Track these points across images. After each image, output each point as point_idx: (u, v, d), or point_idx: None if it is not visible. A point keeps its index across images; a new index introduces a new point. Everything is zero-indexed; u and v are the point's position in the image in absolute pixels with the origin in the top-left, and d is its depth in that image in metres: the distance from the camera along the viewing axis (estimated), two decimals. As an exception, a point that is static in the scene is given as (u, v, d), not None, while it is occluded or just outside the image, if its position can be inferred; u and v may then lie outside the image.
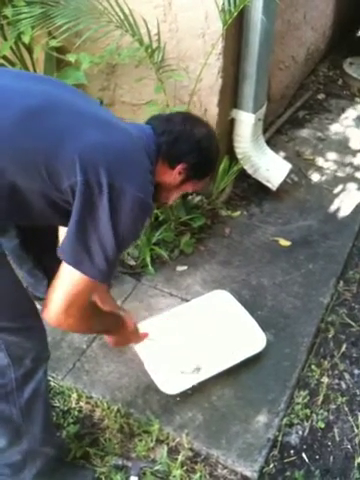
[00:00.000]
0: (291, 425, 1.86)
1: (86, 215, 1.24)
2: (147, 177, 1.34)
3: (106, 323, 1.60)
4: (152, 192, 1.34)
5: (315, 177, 3.00)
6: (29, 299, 1.46)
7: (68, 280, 1.30)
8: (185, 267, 2.41)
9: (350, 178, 2.99)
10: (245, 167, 2.71)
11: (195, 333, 2.03)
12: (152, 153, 1.43)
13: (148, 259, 2.36)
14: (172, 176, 1.51)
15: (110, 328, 1.66)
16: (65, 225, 1.50)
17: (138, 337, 1.87)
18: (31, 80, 1.41)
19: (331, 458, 1.79)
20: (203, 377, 1.87)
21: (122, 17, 2.15)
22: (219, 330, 2.05)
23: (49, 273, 2.07)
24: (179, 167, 1.49)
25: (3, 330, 1.34)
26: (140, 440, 1.79)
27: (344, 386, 1.99)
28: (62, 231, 1.75)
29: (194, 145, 1.48)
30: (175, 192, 1.59)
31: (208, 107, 2.48)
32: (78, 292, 1.30)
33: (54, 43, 2.20)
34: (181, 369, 1.91)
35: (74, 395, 1.90)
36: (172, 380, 1.86)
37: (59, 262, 1.97)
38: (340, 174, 3.03)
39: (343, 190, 2.90)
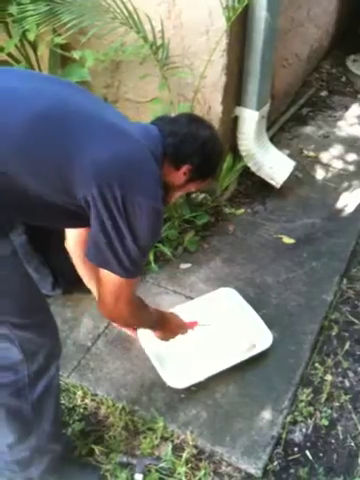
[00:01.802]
0: (295, 423, 1.86)
1: (107, 224, 1.28)
2: (157, 184, 1.36)
3: (154, 317, 1.65)
4: (162, 196, 1.36)
5: (319, 174, 3.00)
6: (41, 295, 1.47)
7: (106, 279, 1.37)
8: (189, 265, 2.41)
9: (354, 175, 2.99)
10: (249, 165, 2.71)
11: (201, 330, 2.04)
12: (159, 155, 1.44)
13: (151, 257, 2.36)
14: (177, 177, 1.52)
15: (158, 322, 1.69)
16: (75, 227, 1.51)
17: (185, 328, 1.87)
18: (38, 81, 1.41)
19: (335, 456, 1.79)
20: (209, 373, 1.88)
21: (127, 14, 2.14)
22: (225, 327, 2.06)
23: (55, 270, 2.09)
24: (184, 168, 1.51)
25: (17, 326, 1.35)
26: (145, 437, 1.79)
27: (348, 384, 2.00)
28: (68, 229, 1.76)
29: (199, 147, 1.50)
30: (179, 191, 1.62)
31: (212, 104, 2.48)
32: (116, 289, 1.37)
33: (59, 40, 2.19)
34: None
35: (79, 392, 1.91)
36: (178, 375, 1.87)
37: (64, 259, 1.98)
38: (344, 171, 3.02)
39: (347, 187, 2.90)
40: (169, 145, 1.46)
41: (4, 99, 1.25)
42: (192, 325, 1.89)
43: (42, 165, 1.24)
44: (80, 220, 1.35)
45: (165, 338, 1.80)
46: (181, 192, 1.63)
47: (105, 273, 1.35)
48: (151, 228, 1.33)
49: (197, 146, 1.50)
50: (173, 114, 1.69)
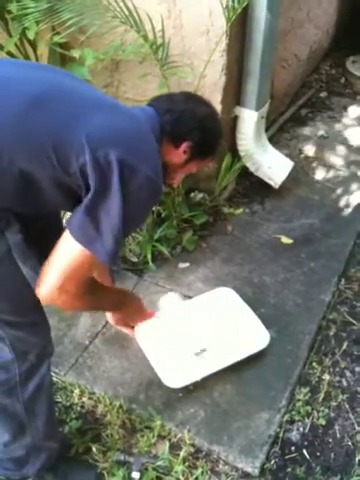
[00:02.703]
0: (292, 422, 1.87)
1: (98, 194, 1.21)
2: (157, 158, 1.32)
3: (105, 301, 1.56)
4: (162, 173, 1.32)
5: (317, 175, 3.00)
6: (34, 294, 1.46)
7: (70, 255, 1.26)
8: (187, 264, 2.42)
9: (352, 176, 3.00)
10: (247, 165, 2.72)
11: (199, 329, 2.04)
12: (157, 134, 1.42)
13: (149, 256, 2.36)
14: (177, 155, 1.50)
15: (111, 306, 1.62)
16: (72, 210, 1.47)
17: (144, 316, 1.82)
18: (32, 68, 1.41)
19: (332, 455, 1.80)
20: (206, 373, 1.88)
21: (127, 13, 2.14)
22: (223, 327, 2.06)
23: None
24: (184, 145, 1.48)
25: (8, 324, 1.35)
26: (142, 436, 1.79)
27: (345, 383, 2.00)
28: None
29: (197, 123, 1.47)
30: (180, 172, 1.58)
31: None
32: (78, 268, 1.27)
33: (58, 39, 2.19)
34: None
35: (77, 391, 1.91)
36: (175, 374, 1.87)
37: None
38: (342, 172, 3.03)
39: (345, 188, 2.90)
40: (166, 122, 1.43)
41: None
42: (150, 314, 1.88)
43: (38, 144, 1.21)
44: (77, 201, 1.28)
45: (118, 323, 1.78)
46: (183, 173, 1.58)
47: (71, 245, 1.25)
48: (144, 201, 1.27)
49: (196, 122, 1.47)
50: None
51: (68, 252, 1.26)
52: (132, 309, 1.75)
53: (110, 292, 1.62)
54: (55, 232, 1.84)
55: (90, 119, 1.24)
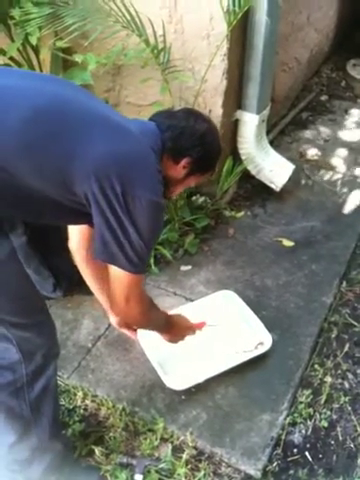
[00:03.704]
0: (294, 424, 1.87)
1: (109, 218, 1.29)
2: (157, 178, 1.37)
3: (163, 318, 1.67)
4: (162, 191, 1.37)
5: (318, 178, 3.01)
6: (39, 295, 1.49)
7: (115, 278, 1.39)
8: (189, 267, 2.43)
9: (353, 179, 3.01)
10: (249, 168, 2.73)
11: (201, 332, 2.05)
12: (158, 150, 1.46)
13: (152, 259, 2.37)
14: (177, 170, 1.54)
15: (167, 324, 1.70)
16: (78, 224, 1.52)
17: (193, 329, 1.87)
18: (38, 80, 1.43)
19: (334, 457, 1.80)
20: (209, 375, 1.89)
21: (128, 18, 2.16)
22: (225, 329, 2.07)
23: (55, 272, 2.10)
24: (183, 161, 1.52)
25: (15, 326, 1.36)
26: (145, 438, 1.80)
27: (347, 386, 2.00)
28: (71, 228, 1.77)
29: (198, 139, 1.51)
30: (179, 186, 1.62)
31: (212, 108, 2.49)
32: (126, 286, 1.39)
33: (61, 44, 2.21)
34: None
35: (79, 393, 1.91)
36: (178, 377, 1.88)
37: (65, 261, 1.98)
38: (343, 175, 3.04)
39: (346, 191, 2.91)
40: (167, 139, 1.48)
41: (4, 97, 1.27)
42: (200, 326, 1.89)
43: (42, 161, 1.25)
44: (80, 216, 1.37)
45: (174, 340, 1.81)
46: (182, 187, 1.63)
47: (114, 272, 1.37)
48: (152, 222, 1.34)
49: (195, 139, 1.51)
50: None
51: (113, 276, 1.39)
52: (182, 327, 1.80)
53: (162, 311, 1.70)
54: (57, 236, 1.86)
55: (95, 141, 1.28)
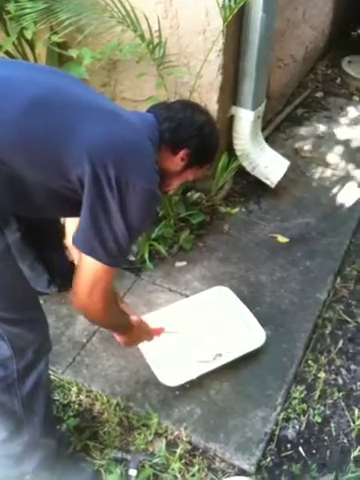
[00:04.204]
0: (288, 419, 1.88)
1: (97, 206, 1.27)
2: (153, 167, 1.35)
3: (123, 319, 1.62)
4: (158, 181, 1.35)
5: (313, 174, 3.02)
6: (32, 291, 1.48)
7: (87, 269, 1.34)
8: (184, 263, 2.43)
9: (348, 175, 3.01)
10: (244, 164, 2.73)
11: (195, 328, 2.05)
12: (156, 141, 1.45)
13: (147, 255, 2.37)
14: (174, 162, 1.53)
15: (127, 324, 1.65)
16: (73, 216, 1.50)
17: (151, 335, 1.83)
18: (35, 70, 1.43)
19: (328, 452, 1.81)
20: (202, 371, 1.89)
21: (124, 13, 2.15)
22: (219, 325, 2.07)
23: (50, 267, 2.10)
24: (181, 153, 1.51)
25: (6, 321, 1.36)
26: (139, 433, 1.80)
27: (341, 381, 2.01)
28: (69, 224, 1.77)
29: (196, 131, 1.51)
30: (177, 179, 1.61)
31: (208, 104, 2.49)
32: (97, 279, 1.34)
33: (56, 38, 2.20)
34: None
35: (74, 389, 1.91)
36: (172, 373, 1.88)
37: (60, 256, 1.98)
38: (338, 171, 3.05)
39: (341, 187, 2.92)
40: (165, 130, 1.47)
41: (0, 87, 1.26)
42: (158, 332, 1.87)
43: (38, 148, 1.24)
44: (76, 207, 1.32)
45: (129, 343, 1.76)
46: (179, 180, 1.62)
47: (87, 260, 1.32)
48: (143, 211, 1.32)
49: (194, 130, 1.50)
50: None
51: (85, 266, 1.34)
52: (140, 330, 1.74)
53: (124, 311, 1.66)
54: (52, 232, 1.86)
55: (89, 127, 1.27)
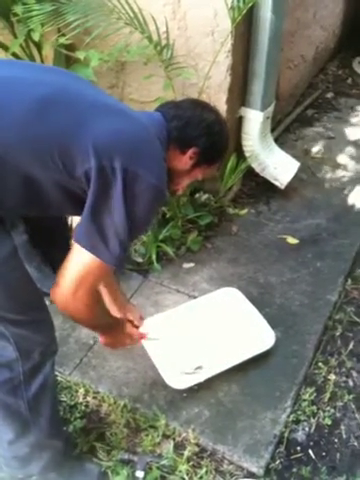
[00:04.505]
0: (298, 422, 1.85)
1: (101, 200, 1.24)
2: (162, 165, 1.34)
3: (106, 318, 1.56)
4: (166, 180, 1.33)
5: (323, 175, 2.99)
6: (38, 293, 1.48)
7: (80, 263, 1.29)
8: (192, 264, 2.41)
9: (359, 177, 2.98)
10: (253, 165, 2.71)
11: (204, 329, 2.04)
12: (164, 140, 1.43)
13: (154, 256, 2.37)
14: (183, 161, 1.51)
15: (109, 325, 1.61)
16: (79, 215, 1.50)
17: (133, 340, 1.79)
18: (41, 70, 1.43)
19: (338, 455, 1.78)
20: (211, 373, 1.88)
21: (132, 15, 2.16)
22: (228, 327, 2.05)
23: (57, 269, 2.09)
24: (190, 151, 1.49)
25: (12, 323, 1.36)
26: (146, 435, 1.79)
27: (351, 384, 1.98)
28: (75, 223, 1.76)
29: (204, 129, 1.49)
30: (186, 178, 1.59)
31: (216, 105, 2.44)
32: (88, 275, 1.29)
33: (63, 40, 2.21)
34: (186, 368, 1.91)
35: (81, 390, 1.91)
36: (180, 375, 1.87)
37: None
38: (349, 172, 3.02)
39: (352, 188, 2.89)
40: (173, 128, 1.46)
41: (6, 88, 1.26)
42: (141, 337, 1.84)
43: (43, 146, 1.23)
44: (82, 205, 1.29)
45: (111, 345, 1.73)
46: (188, 179, 1.59)
47: (81, 252, 1.27)
48: (148, 208, 1.29)
49: (202, 128, 1.48)
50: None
51: (78, 259, 1.29)
52: (123, 332, 1.72)
53: (107, 311, 1.61)
54: (60, 233, 1.86)
55: (96, 124, 1.26)
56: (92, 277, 1.31)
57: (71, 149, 1.23)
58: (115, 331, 1.66)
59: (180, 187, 1.62)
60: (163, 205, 2.35)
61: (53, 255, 2.03)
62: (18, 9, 2.10)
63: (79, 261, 1.29)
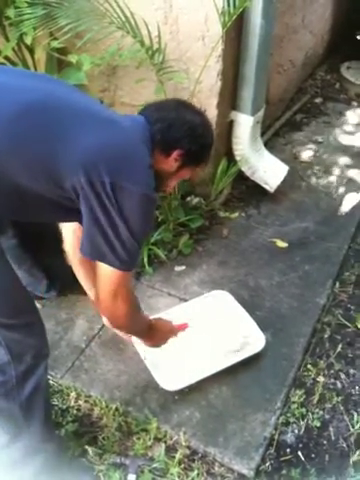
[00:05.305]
0: (287, 424, 1.88)
1: (98, 213, 1.28)
2: (147, 172, 1.36)
3: (146, 323, 1.65)
4: (154, 185, 1.36)
5: (312, 179, 3.02)
6: (28, 296, 1.48)
7: (102, 275, 1.37)
8: (183, 267, 2.43)
9: (346, 181, 3.02)
10: (243, 169, 2.73)
11: (195, 332, 2.05)
12: (148, 143, 1.45)
13: (146, 259, 2.38)
14: (169, 163, 1.52)
15: (150, 330, 1.68)
16: (69, 222, 1.52)
17: (175, 332, 1.87)
18: (27, 77, 1.44)
19: (327, 457, 1.81)
20: (202, 375, 1.89)
21: (124, 19, 2.17)
22: (219, 329, 2.07)
23: (49, 272, 2.10)
24: (175, 154, 1.50)
25: (3, 326, 1.36)
26: (138, 438, 1.80)
27: (339, 385, 2.01)
28: (65, 229, 1.77)
29: (188, 131, 1.49)
30: (173, 179, 1.61)
31: (207, 109, 2.45)
32: (115, 284, 1.37)
33: (55, 44, 2.21)
34: (181, 368, 1.93)
35: (73, 394, 1.91)
36: (172, 377, 1.88)
37: (59, 261, 1.98)
38: (337, 177, 3.05)
39: (339, 192, 2.92)
40: (157, 132, 1.47)
41: None
42: (182, 327, 1.90)
43: (30, 155, 1.25)
44: (72, 213, 1.34)
45: (157, 345, 1.80)
46: (176, 179, 1.62)
47: (102, 268, 1.35)
48: (143, 216, 1.33)
49: (185, 130, 1.49)
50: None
51: (100, 273, 1.37)
52: (164, 331, 1.80)
53: (146, 316, 1.70)
54: (50, 237, 1.86)
55: (83, 136, 1.28)
56: (119, 285, 1.38)
57: (59, 162, 1.25)
58: (157, 333, 1.73)
59: (169, 187, 1.66)
60: (156, 208, 2.36)
61: (44, 259, 2.04)
62: (10, 12, 2.10)
63: (102, 274, 1.37)
